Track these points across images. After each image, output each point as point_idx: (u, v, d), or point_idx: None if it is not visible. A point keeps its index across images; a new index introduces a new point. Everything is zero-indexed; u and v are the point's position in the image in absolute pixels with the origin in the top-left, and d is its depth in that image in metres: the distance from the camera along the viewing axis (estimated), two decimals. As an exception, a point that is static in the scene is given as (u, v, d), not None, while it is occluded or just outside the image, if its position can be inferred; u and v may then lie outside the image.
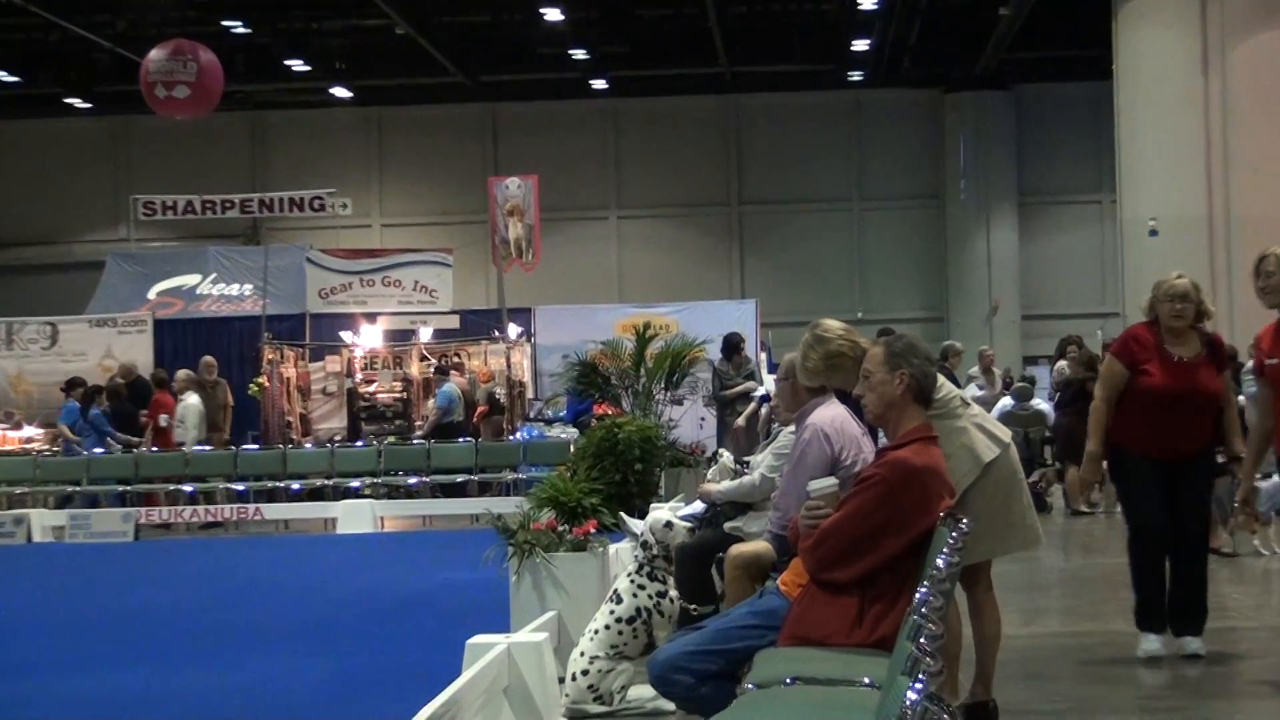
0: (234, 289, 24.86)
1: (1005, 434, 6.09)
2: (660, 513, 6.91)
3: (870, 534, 4.69)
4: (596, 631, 6.61)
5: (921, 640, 3.09)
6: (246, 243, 31.47)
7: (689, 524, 7.01)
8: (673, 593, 6.67)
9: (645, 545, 6.70)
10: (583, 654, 6.57)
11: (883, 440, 5.27)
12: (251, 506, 18.46)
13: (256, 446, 20.19)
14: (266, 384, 21.38)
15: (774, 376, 8.92)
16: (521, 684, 6.18)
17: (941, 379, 5.46)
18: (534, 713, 6.19)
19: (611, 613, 6.63)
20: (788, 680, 4.28)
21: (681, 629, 5.63)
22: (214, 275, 25.14)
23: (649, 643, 6.53)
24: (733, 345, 17.49)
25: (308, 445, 20.89)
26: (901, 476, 4.73)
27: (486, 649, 6.11)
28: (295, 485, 19.05)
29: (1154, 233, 20.14)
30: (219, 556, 15.70)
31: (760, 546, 6.23)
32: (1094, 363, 16.33)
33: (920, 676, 2.87)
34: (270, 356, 21.70)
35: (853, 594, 4.69)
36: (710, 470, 10.35)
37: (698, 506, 7.81)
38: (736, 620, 5.05)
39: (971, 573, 5.97)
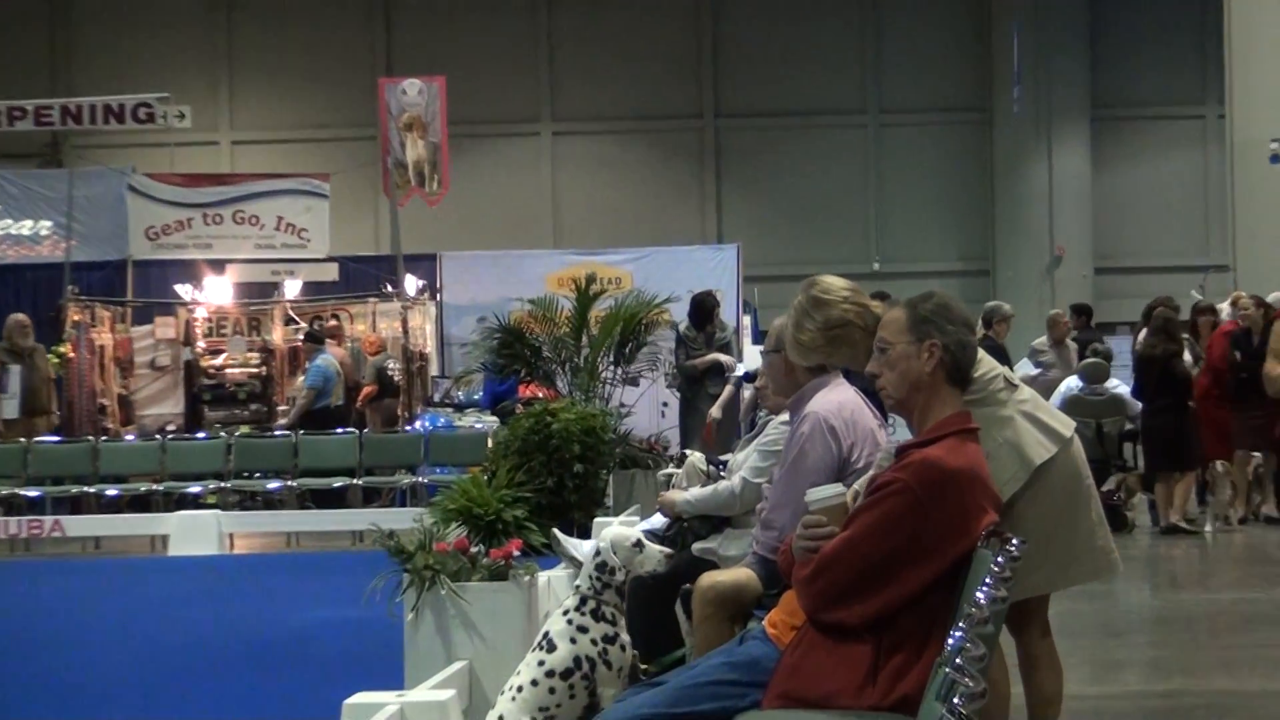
0: (25, 227, 24.71)
1: (1066, 426, 6.08)
2: (626, 529, 6.88)
3: (888, 559, 4.72)
4: (520, 688, 6.62)
5: (955, 701, 3.12)
6: (44, 165, 31.21)
7: (665, 550, 7.02)
8: (625, 637, 6.69)
9: (606, 570, 6.66)
10: (502, 718, 6.59)
11: (904, 433, 5.29)
12: (49, 519, 18.27)
13: (57, 438, 20.08)
14: (72, 354, 21.26)
15: (759, 349, 8.96)
16: (419, 759, 6.18)
17: (981, 353, 5.48)
18: (436, 797, 6.20)
19: (541, 664, 6.64)
20: (776, 753, 4.31)
21: (635, 686, 5.65)
22: (-2, 208, 25.02)
23: (590, 703, 6.55)
24: (704, 309, 17.30)
25: (129, 437, 20.82)
26: (931, 483, 4.75)
27: (372, 711, 6.11)
28: (111, 491, 18.96)
29: (1276, 158, 20.29)
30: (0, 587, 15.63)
31: (741, 575, 6.26)
32: (1172, 329, 16.33)
33: (953, 747, 2.90)
34: (77, 317, 21.59)
35: (864, 639, 4.71)
36: (675, 473, 10.38)
37: (657, 521, 7.83)
38: (708, 673, 5.06)
39: (1023, 612, 6.01)
